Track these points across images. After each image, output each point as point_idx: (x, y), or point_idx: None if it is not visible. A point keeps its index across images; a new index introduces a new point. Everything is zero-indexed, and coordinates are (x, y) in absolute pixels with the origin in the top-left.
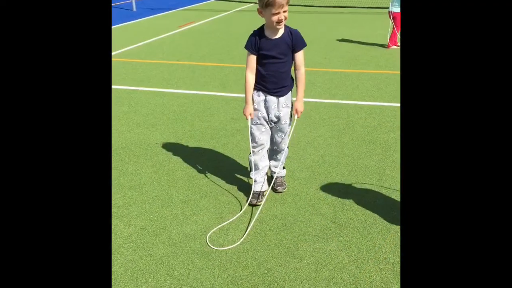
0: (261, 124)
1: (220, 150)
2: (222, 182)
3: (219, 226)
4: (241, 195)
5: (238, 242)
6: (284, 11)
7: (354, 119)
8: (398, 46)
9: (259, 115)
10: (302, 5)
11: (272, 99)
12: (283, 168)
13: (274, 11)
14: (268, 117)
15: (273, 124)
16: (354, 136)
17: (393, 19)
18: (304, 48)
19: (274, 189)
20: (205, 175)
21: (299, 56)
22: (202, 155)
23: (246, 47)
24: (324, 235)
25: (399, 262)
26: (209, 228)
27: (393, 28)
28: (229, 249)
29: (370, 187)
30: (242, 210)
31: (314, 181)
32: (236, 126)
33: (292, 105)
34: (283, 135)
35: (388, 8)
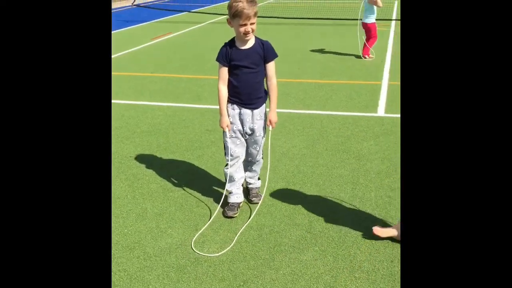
0: (236, 137)
1: (195, 162)
2: (198, 194)
3: (200, 231)
4: (217, 207)
5: (229, 247)
6: (252, 23)
7: (328, 129)
8: (372, 57)
9: (234, 128)
10: (276, 17)
11: (246, 112)
12: (258, 179)
13: (241, 22)
14: (243, 129)
15: (247, 136)
16: (328, 146)
17: (366, 30)
18: (275, 59)
19: (249, 200)
20: (180, 187)
21: (271, 66)
22: (177, 168)
23: (217, 59)
24: (300, 245)
25: (374, 271)
26: (185, 241)
27: (366, 39)
28: (218, 255)
29: (344, 196)
30: (211, 219)
31: (289, 191)
32: (211, 137)
33: (266, 117)
34: (258, 147)
35: (359, 19)
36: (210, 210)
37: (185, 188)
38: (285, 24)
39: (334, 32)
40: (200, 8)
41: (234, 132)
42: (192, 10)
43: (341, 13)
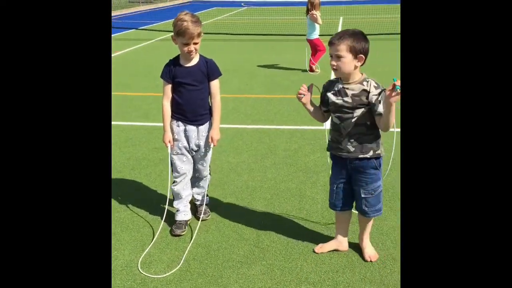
0: (182, 154)
1: (143, 181)
2: (145, 214)
3: (145, 252)
4: (165, 225)
5: (176, 268)
6: (195, 43)
7: (276, 143)
8: (317, 71)
9: (180, 145)
10: (225, 33)
11: (192, 128)
12: (206, 195)
13: (184, 41)
14: (189, 146)
15: (194, 152)
16: (276, 160)
17: (311, 46)
18: (219, 77)
19: (197, 217)
20: (127, 207)
21: (215, 84)
22: (124, 187)
23: (162, 76)
24: (248, 260)
25: (320, 281)
26: (131, 263)
27: (311, 54)
28: (165, 276)
29: (291, 209)
30: (155, 238)
31: (238, 206)
32: (159, 155)
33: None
34: (204, 163)
35: (305, 35)
36: (158, 231)
37: (132, 208)
38: (233, 41)
39: (282, 47)
40: (149, 25)
41: (180, 149)
42: (140, 28)
43: (289, 29)
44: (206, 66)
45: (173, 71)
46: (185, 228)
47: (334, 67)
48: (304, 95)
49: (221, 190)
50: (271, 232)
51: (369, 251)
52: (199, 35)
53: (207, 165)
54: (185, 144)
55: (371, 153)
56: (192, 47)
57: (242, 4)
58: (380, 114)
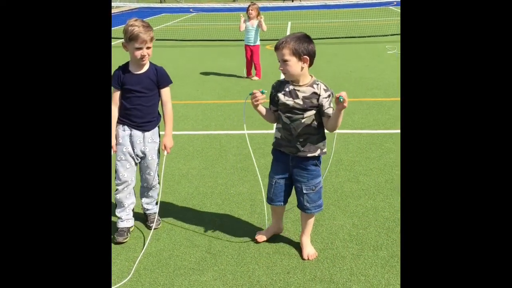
0: (125, 160)
1: None
2: None
3: None
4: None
5: (126, 279)
6: (148, 48)
7: (226, 148)
8: (252, 77)
9: (124, 150)
10: (173, 40)
11: (137, 133)
12: (156, 203)
13: (137, 45)
14: (134, 152)
15: (139, 159)
16: (227, 165)
17: (253, 52)
18: (170, 85)
19: (148, 227)
20: None
21: (165, 92)
22: None
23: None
24: (200, 266)
25: (271, 283)
26: None
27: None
28: None
29: (243, 214)
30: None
31: (189, 213)
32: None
33: (160, 141)
34: (151, 172)
35: (243, 41)
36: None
37: None
38: (182, 47)
39: (231, 53)
40: None
41: (124, 154)
42: None
43: (238, 35)
44: (156, 74)
45: (122, 78)
46: (127, 235)
47: (283, 71)
48: (258, 99)
49: (172, 197)
50: (222, 237)
51: (309, 250)
52: (151, 39)
53: (155, 174)
54: (130, 149)
55: (318, 152)
56: (145, 51)
57: (191, 10)
58: (328, 116)
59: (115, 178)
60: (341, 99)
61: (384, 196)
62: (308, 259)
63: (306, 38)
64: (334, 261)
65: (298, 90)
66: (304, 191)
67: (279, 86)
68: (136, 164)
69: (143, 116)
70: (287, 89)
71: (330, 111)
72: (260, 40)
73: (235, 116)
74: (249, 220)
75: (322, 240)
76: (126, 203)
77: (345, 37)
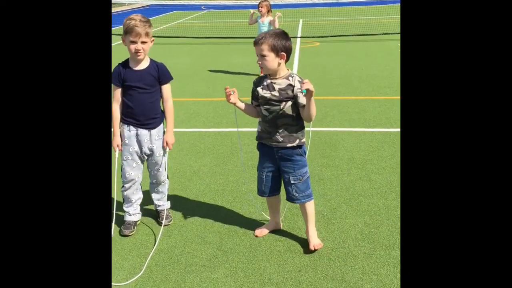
0: (132, 159)
1: None
2: None
3: None
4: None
5: (138, 275)
6: (143, 42)
7: (238, 146)
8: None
9: (130, 150)
10: (184, 37)
11: (143, 132)
12: (167, 200)
13: (131, 38)
14: (141, 151)
15: (146, 157)
16: (238, 162)
17: None
18: (171, 81)
19: (160, 223)
20: None
21: (166, 89)
22: None
23: (111, 80)
24: (211, 263)
25: (283, 281)
26: None
27: None
28: (127, 283)
29: (254, 211)
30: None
31: (200, 210)
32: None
33: (164, 137)
34: (160, 168)
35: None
36: (119, 237)
37: None
38: (193, 44)
39: (242, 50)
40: None
41: (131, 154)
42: None
43: (248, 32)
44: (157, 70)
45: (122, 75)
46: (133, 228)
47: (260, 65)
48: (232, 93)
49: (183, 194)
50: (234, 235)
51: (314, 241)
52: (147, 34)
53: (163, 170)
54: (137, 149)
55: (297, 141)
56: (139, 45)
57: (202, 7)
58: (303, 106)
59: (122, 176)
60: (304, 92)
61: (396, 195)
62: (314, 249)
63: (284, 35)
64: (346, 260)
65: (275, 83)
66: (292, 182)
67: (258, 81)
68: (142, 162)
69: (146, 113)
70: (265, 83)
71: (304, 101)
72: None
73: (246, 114)
74: (260, 218)
75: (334, 239)
76: (133, 199)
77: (357, 35)
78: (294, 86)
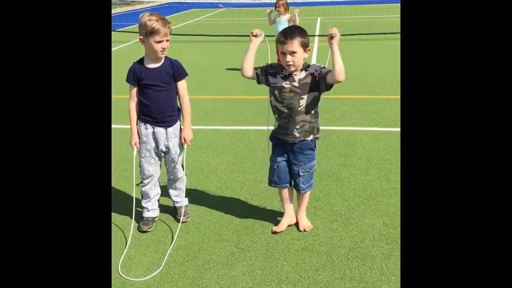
0: (150, 156)
1: (122, 183)
2: (125, 217)
3: (123, 255)
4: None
5: (157, 271)
6: (167, 40)
7: (255, 144)
8: None
9: (148, 147)
10: (202, 35)
11: (160, 130)
12: (185, 197)
13: (158, 39)
14: (158, 148)
15: (163, 154)
16: (255, 161)
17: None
18: (186, 78)
19: (177, 220)
20: None
21: (182, 85)
22: None
23: (127, 80)
24: (229, 261)
25: (300, 280)
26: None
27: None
28: (146, 279)
29: (271, 209)
30: (129, 240)
31: (218, 208)
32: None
33: (181, 134)
34: (176, 165)
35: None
36: (138, 233)
37: (112, 210)
38: (211, 42)
39: (262, 48)
40: (126, 27)
41: (148, 151)
42: (117, 30)
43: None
44: (171, 67)
45: (137, 73)
46: (152, 224)
47: (290, 63)
48: (259, 35)
49: (201, 192)
50: (251, 233)
51: (304, 222)
52: (170, 32)
53: (180, 166)
54: (153, 146)
55: (311, 137)
56: (165, 44)
57: (220, 5)
58: (330, 71)
59: (140, 172)
60: (333, 35)
61: None
62: (304, 230)
63: (305, 31)
64: (364, 260)
65: (295, 74)
66: (301, 173)
67: (277, 67)
68: (160, 158)
69: (163, 111)
70: (285, 73)
71: (327, 70)
72: None
73: (264, 112)
74: (278, 216)
75: (352, 239)
76: (151, 194)
77: (375, 33)
78: (314, 71)
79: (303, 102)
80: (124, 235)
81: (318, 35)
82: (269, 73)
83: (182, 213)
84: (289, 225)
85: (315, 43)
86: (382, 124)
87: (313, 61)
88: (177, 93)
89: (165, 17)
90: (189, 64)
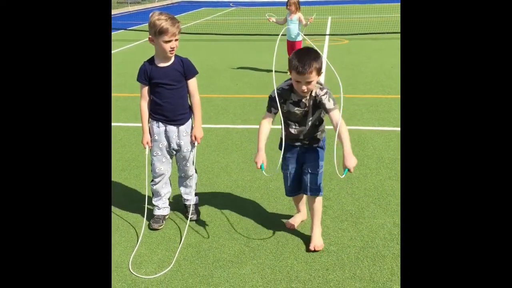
0: (161, 155)
1: (132, 182)
2: (135, 215)
3: (134, 252)
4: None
5: (167, 269)
6: (176, 40)
7: (266, 143)
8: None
9: (160, 146)
10: (212, 34)
11: (172, 129)
12: (195, 195)
13: (167, 38)
14: (170, 146)
15: (174, 152)
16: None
17: (294, 48)
18: (196, 76)
19: (187, 217)
20: (117, 208)
21: (192, 83)
22: (114, 188)
23: (138, 79)
24: (238, 259)
25: (310, 280)
26: (121, 264)
27: None
28: (156, 276)
29: (281, 208)
30: (140, 238)
31: (228, 206)
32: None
33: (192, 132)
34: (187, 163)
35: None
36: (149, 230)
37: (122, 209)
38: (222, 41)
39: (270, 47)
40: (137, 26)
41: (160, 150)
42: (129, 28)
43: (277, 29)
44: (182, 65)
45: (148, 73)
46: (162, 222)
47: (305, 91)
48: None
49: (211, 190)
50: (261, 231)
51: (316, 241)
52: (179, 31)
53: (191, 164)
54: (166, 144)
55: (320, 143)
56: (174, 43)
57: (231, 4)
58: (330, 110)
59: (151, 171)
60: (345, 173)
61: None
62: (314, 250)
63: (319, 55)
64: (375, 260)
65: (305, 99)
66: (310, 171)
67: (285, 94)
68: (171, 156)
69: (174, 109)
70: (294, 99)
71: (331, 105)
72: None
73: None
74: (288, 215)
75: (362, 238)
76: (162, 193)
77: (386, 33)
78: (317, 95)
79: (312, 118)
80: (136, 233)
81: (329, 34)
82: (281, 103)
83: (190, 211)
84: (302, 221)
85: (326, 42)
86: (393, 123)
87: (323, 61)
88: (188, 91)
89: (175, 16)
90: (199, 63)
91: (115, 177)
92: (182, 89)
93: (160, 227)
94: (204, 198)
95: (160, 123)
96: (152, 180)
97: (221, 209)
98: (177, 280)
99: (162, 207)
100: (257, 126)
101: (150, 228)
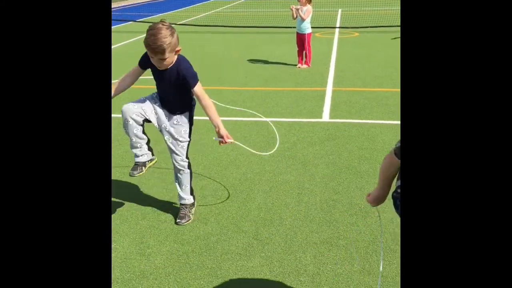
0: (149, 102)
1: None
2: (143, 206)
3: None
4: (163, 217)
5: (176, 261)
6: (161, 59)
7: (274, 136)
8: (309, 66)
9: (152, 105)
10: (223, 26)
11: (163, 112)
12: (191, 194)
13: (149, 54)
14: (159, 119)
15: (158, 127)
16: (274, 152)
17: (303, 40)
18: (198, 83)
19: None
20: (125, 199)
21: (196, 90)
22: (122, 179)
23: (139, 61)
24: (247, 252)
25: (318, 273)
26: (130, 255)
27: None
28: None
29: (290, 202)
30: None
31: (236, 199)
32: (156, 148)
33: (189, 125)
34: (173, 153)
35: (295, 29)
36: (157, 222)
37: (130, 200)
38: (232, 33)
39: (280, 40)
40: (147, 18)
41: (151, 102)
42: (138, 20)
43: (287, 22)
44: (178, 77)
45: (150, 64)
46: (141, 169)
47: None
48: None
49: (219, 183)
50: (269, 225)
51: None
52: (163, 52)
53: (177, 156)
54: (159, 112)
55: None
56: (157, 61)
57: None
58: None
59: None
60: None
61: None
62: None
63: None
64: (384, 254)
65: None
66: None
67: None
68: (156, 116)
69: (173, 105)
70: None
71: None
72: (311, 27)
73: (283, 104)
74: (296, 208)
75: (371, 233)
76: (131, 134)
77: (397, 26)
78: None
79: None
80: (152, 224)
81: (339, 27)
82: None
83: (182, 214)
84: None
85: (336, 35)
86: None
87: (334, 53)
88: (196, 96)
89: (172, 28)
90: (208, 55)
91: (124, 168)
92: (183, 91)
93: (139, 174)
94: (212, 190)
95: (159, 102)
96: (125, 119)
97: (230, 201)
98: (186, 272)
99: (141, 154)
100: (266, 119)
101: (130, 175)
